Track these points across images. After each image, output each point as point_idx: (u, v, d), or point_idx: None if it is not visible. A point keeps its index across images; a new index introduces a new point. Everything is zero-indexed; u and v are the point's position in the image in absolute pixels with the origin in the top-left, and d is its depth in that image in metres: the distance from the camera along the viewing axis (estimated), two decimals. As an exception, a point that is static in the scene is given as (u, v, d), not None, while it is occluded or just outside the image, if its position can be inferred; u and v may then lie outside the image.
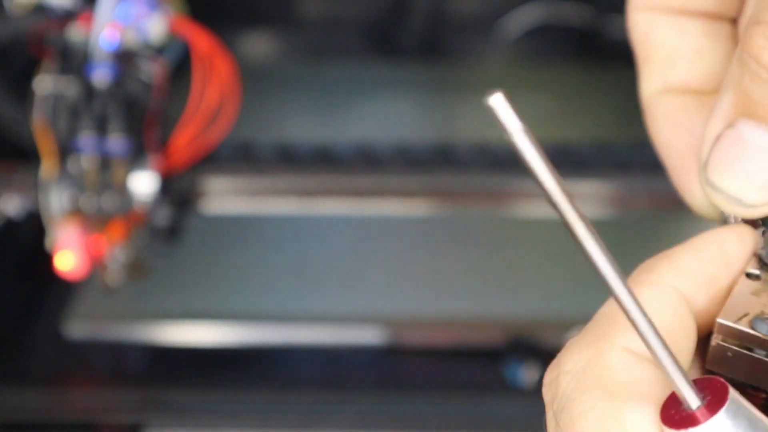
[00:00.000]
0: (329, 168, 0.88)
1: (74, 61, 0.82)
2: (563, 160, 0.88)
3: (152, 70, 0.83)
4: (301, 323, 0.86)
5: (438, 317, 0.86)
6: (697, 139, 0.37)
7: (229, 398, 0.81)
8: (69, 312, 0.87)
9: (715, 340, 0.34)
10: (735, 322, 0.34)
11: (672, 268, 0.34)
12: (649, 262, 0.34)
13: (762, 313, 0.34)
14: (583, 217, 0.29)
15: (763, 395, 0.34)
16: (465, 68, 1.10)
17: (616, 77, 1.04)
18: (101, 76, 0.82)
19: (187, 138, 0.84)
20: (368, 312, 0.87)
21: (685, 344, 0.33)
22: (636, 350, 0.32)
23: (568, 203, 0.28)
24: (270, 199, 0.88)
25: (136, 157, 0.82)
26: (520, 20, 1.09)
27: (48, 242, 0.82)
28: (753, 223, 0.36)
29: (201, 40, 0.84)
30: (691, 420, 0.30)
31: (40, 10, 0.83)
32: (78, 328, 0.87)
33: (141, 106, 0.82)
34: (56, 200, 0.82)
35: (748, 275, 0.35)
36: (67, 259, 0.81)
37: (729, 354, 0.34)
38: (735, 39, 0.39)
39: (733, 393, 0.31)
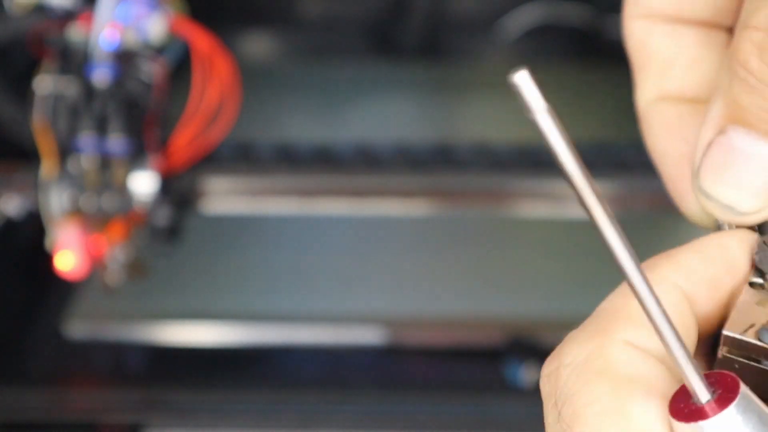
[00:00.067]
0: (329, 168, 0.88)
1: (74, 61, 0.82)
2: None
3: (152, 70, 0.83)
4: (301, 323, 0.86)
5: (438, 317, 0.86)
6: (692, 147, 0.37)
7: (229, 398, 0.81)
8: (69, 312, 0.87)
9: (722, 352, 0.34)
10: (741, 333, 0.33)
11: (675, 267, 0.34)
12: (652, 261, 0.34)
13: None
14: (603, 202, 0.29)
15: None
16: (465, 68, 1.10)
17: (616, 77, 1.04)
18: (101, 76, 0.82)
19: (187, 138, 0.84)
20: (368, 312, 0.87)
21: (687, 342, 0.33)
22: (638, 344, 0.32)
23: (589, 187, 0.28)
24: (270, 199, 0.88)
25: (136, 157, 0.82)
26: (520, 20, 1.09)
27: (48, 242, 0.82)
28: (750, 229, 0.36)
29: (201, 40, 0.84)
30: (701, 414, 0.30)
31: (40, 10, 0.83)
32: (78, 328, 0.87)
33: (141, 106, 0.82)
34: (56, 200, 0.82)
35: (752, 284, 0.34)
36: (67, 259, 0.81)
37: (736, 366, 0.34)
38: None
39: (744, 388, 0.30)
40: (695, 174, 0.35)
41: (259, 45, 1.13)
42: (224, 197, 0.88)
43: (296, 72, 1.10)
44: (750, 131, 0.34)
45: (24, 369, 0.84)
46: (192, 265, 0.91)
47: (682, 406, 0.31)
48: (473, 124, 1.04)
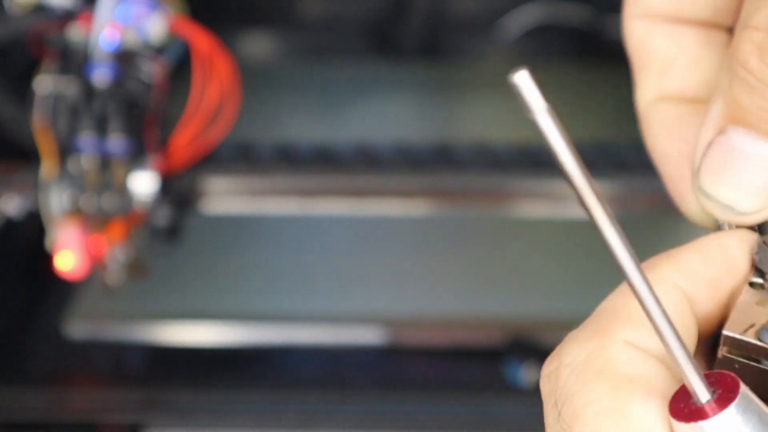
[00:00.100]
0: (329, 168, 0.88)
1: (74, 61, 0.82)
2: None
3: (152, 70, 0.83)
4: (301, 323, 0.86)
5: (438, 317, 0.86)
6: (693, 147, 0.37)
7: (229, 398, 0.81)
8: (69, 312, 0.87)
9: (722, 352, 0.34)
10: (741, 333, 0.33)
11: (675, 267, 0.34)
12: (652, 260, 0.34)
13: None
14: (603, 202, 0.29)
15: None
16: (465, 68, 1.10)
17: (616, 77, 1.04)
18: (101, 76, 0.82)
19: (187, 138, 0.84)
20: (368, 312, 0.87)
21: (687, 343, 0.33)
22: (638, 344, 0.32)
23: (589, 187, 0.28)
24: (270, 199, 0.88)
25: (136, 157, 0.82)
26: (520, 20, 1.09)
27: (48, 242, 0.82)
28: (750, 229, 0.36)
29: (201, 40, 0.84)
30: (700, 414, 0.30)
31: (40, 10, 0.83)
32: (78, 328, 0.86)
33: (141, 106, 0.82)
34: (56, 200, 0.82)
35: (751, 284, 0.34)
36: (67, 259, 0.81)
37: (736, 366, 0.34)
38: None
39: (744, 389, 0.30)
40: (695, 174, 0.35)
41: (259, 45, 1.13)
42: (224, 197, 0.88)
43: (296, 72, 1.10)
44: (750, 131, 0.34)
45: (24, 369, 0.84)
46: (192, 265, 0.91)
47: (682, 406, 0.31)
48: (473, 124, 1.04)
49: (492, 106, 1.05)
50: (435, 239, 0.94)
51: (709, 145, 0.35)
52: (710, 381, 0.31)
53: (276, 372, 0.85)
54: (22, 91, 0.83)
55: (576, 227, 0.93)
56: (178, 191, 0.85)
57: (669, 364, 0.32)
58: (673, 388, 0.31)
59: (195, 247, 0.91)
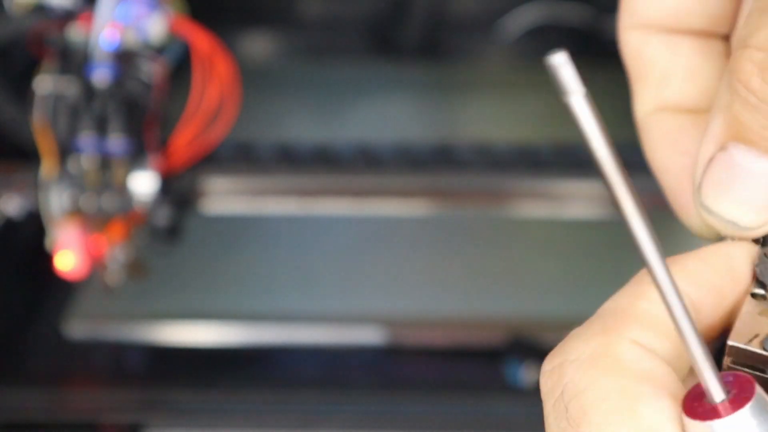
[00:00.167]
0: (329, 168, 0.88)
1: (74, 61, 0.82)
2: (563, 160, 0.88)
3: (152, 70, 0.83)
4: (301, 323, 0.86)
5: (438, 317, 0.86)
6: (693, 160, 0.37)
7: (229, 398, 0.81)
8: (69, 312, 0.87)
9: (726, 362, 0.34)
10: (746, 343, 0.33)
11: (683, 274, 0.34)
12: None
13: None
14: (632, 192, 0.29)
15: None
16: (465, 68, 1.10)
17: (616, 77, 1.04)
18: (101, 76, 0.82)
19: (187, 138, 0.84)
20: (368, 312, 0.87)
21: None
22: (645, 344, 0.32)
23: (619, 174, 0.28)
24: (270, 199, 0.88)
25: (136, 157, 0.82)
26: (520, 20, 1.09)
27: (48, 242, 0.82)
28: (753, 241, 0.36)
29: (201, 40, 0.84)
30: (714, 413, 0.30)
31: (40, 10, 0.83)
32: (78, 328, 0.86)
33: (141, 106, 0.82)
34: (56, 200, 0.82)
35: (753, 295, 0.34)
36: (67, 259, 0.81)
37: None
38: (728, 56, 0.39)
39: (759, 390, 0.30)
40: (697, 190, 0.36)
41: (259, 45, 1.13)
42: (224, 197, 0.88)
43: (296, 72, 1.10)
44: (751, 148, 0.34)
45: (24, 369, 0.84)
46: (192, 265, 0.91)
47: (696, 404, 0.31)
48: (473, 124, 1.04)
49: (492, 106, 1.05)
50: (435, 239, 0.94)
51: (710, 161, 0.35)
52: (725, 381, 0.30)
53: (276, 372, 0.85)
54: (22, 91, 0.83)
55: (576, 227, 0.93)
56: (178, 191, 0.85)
57: (675, 365, 0.32)
58: (680, 390, 0.31)
59: (195, 247, 0.91)
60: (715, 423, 0.30)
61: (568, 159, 0.88)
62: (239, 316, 0.87)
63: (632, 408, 0.30)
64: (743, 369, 0.34)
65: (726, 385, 0.30)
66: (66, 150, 0.82)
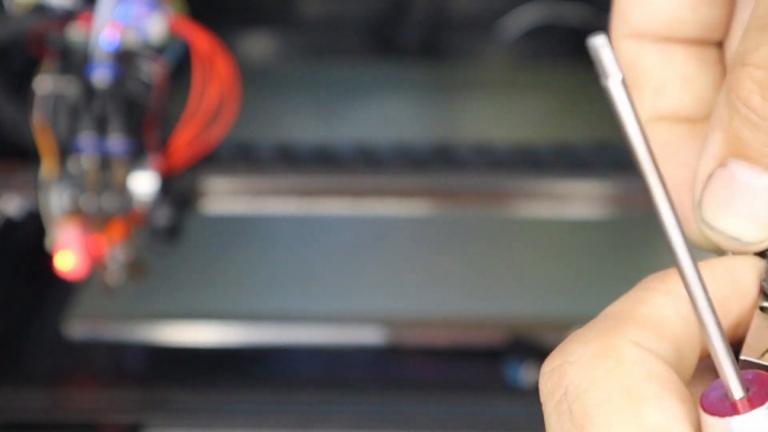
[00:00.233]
0: (329, 168, 0.88)
1: (74, 61, 0.82)
2: (563, 160, 0.88)
3: (152, 70, 0.83)
4: (301, 323, 0.86)
5: (438, 317, 0.86)
6: (692, 171, 0.37)
7: (229, 398, 0.81)
8: (69, 312, 0.87)
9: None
10: (759, 358, 0.33)
11: None
12: (662, 273, 0.34)
13: None
14: (662, 181, 0.29)
15: None
16: (465, 68, 1.10)
17: (616, 77, 1.03)
18: (101, 76, 0.82)
19: (187, 138, 0.84)
20: (368, 312, 0.87)
21: (691, 356, 0.33)
22: (646, 346, 0.32)
23: (652, 162, 0.28)
24: (270, 199, 0.88)
25: (136, 157, 0.82)
26: (520, 20, 1.09)
27: (48, 242, 0.82)
28: (758, 254, 0.36)
29: (201, 40, 0.84)
30: (733, 410, 0.30)
31: (40, 10, 0.83)
32: (78, 328, 0.87)
33: (141, 106, 0.82)
34: (56, 200, 0.82)
35: (763, 309, 0.35)
36: (67, 259, 0.81)
37: None
38: (722, 63, 0.39)
39: None
40: (697, 205, 0.36)
41: (259, 45, 1.13)
42: (224, 197, 0.88)
43: (296, 72, 1.10)
44: (752, 165, 0.34)
45: (24, 369, 0.84)
46: (192, 265, 0.91)
47: (714, 401, 0.31)
48: (473, 124, 1.04)
49: (492, 106, 1.05)
50: (435, 239, 0.94)
51: (710, 177, 0.35)
52: (745, 379, 0.30)
53: (276, 372, 0.85)
54: (22, 91, 0.83)
55: (576, 227, 0.94)
56: (178, 191, 0.85)
57: (677, 369, 0.32)
58: (684, 392, 0.31)
59: (195, 247, 0.91)
60: (734, 420, 0.30)
61: (568, 159, 0.88)
62: (239, 316, 0.87)
63: (637, 408, 0.30)
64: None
65: (746, 383, 0.30)
66: (66, 150, 0.82)
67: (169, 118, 0.84)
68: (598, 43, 0.27)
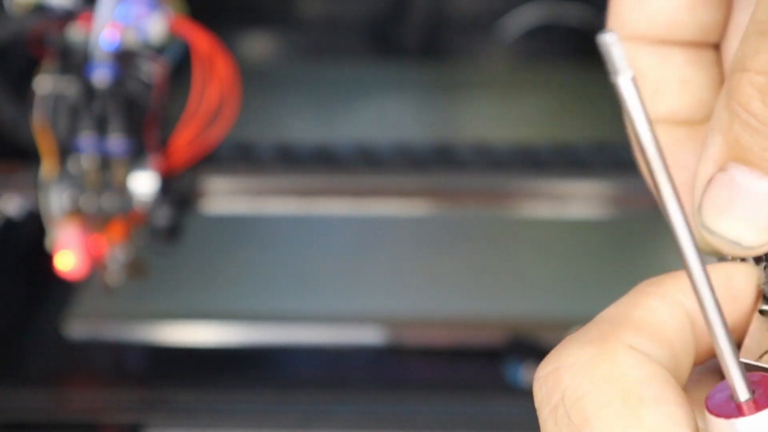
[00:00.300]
0: (329, 168, 0.88)
1: (74, 61, 0.82)
2: (563, 160, 0.88)
3: (152, 70, 0.83)
4: (301, 323, 0.86)
5: (438, 317, 0.86)
6: (691, 175, 0.37)
7: (229, 398, 0.81)
8: (69, 312, 0.87)
9: None
10: (757, 360, 0.33)
11: (680, 286, 0.34)
12: (657, 278, 0.34)
13: None
14: (671, 180, 0.29)
15: None
16: (465, 68, 1.10)
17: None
18: (101, 76, 0.82)
19: (187, 138, 0.84)
20: (368, 312, 0.87)
21: (686, 361, 0.33)
22: (642, 350, 0.32)
23: (660, 161, 0.28)
24: (270, 199, 0.88)
25: (136, 157, 0.82)
26: (520, 20, 1.09)
27: (48, 242, 0.82)
28: (756, 258, 0.36)
29: (201, 40, 0.84)
30: (738, 411, 0.30)
31: (40, 10, 0.83)
32: (78, 328, 0.87)
33: (141, 106, 0.82)
34: (56, 200, 0.82)
35: (762, 312, 0.35)
36: (67, 259, 0.81)
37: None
38: (720, 64, 0.39)
39: None
40: (697, 210, 0.36)
41: (259, 45, 1.13)
42: (224, 197, 0.88)
43: (296, 72, 1.10)
44: (753, 170, 0.34)
45: (24, 369, 0.84)
46: (192, 265, 0.91)
47: (719, 402, 0.31)
48: (473, 124, 1.04)
49: (492, 106, 1.05)
50: (435, 239, 0.94)
51: (710, 181, 0.35)
52: (751, 381, 0.30)
53: (276, 372, 0.85)
54: (22, 91, 0.83)
55: (576, 227, 0.94)
56: (178, 191, 0.85)
57: (673, 374, 0.32)
58: (681, 396, 0.31)
59: (195, 247, 0.91)
60: (739, 421, 0.30)
61: (568, 159, 0.88)
62: (239, 316, 0.87)
63: (636, 413, 0.30)
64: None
65: (751, 385, 0.30)
66: (66, 150, 0.82)
67: (169, 118, 0.84)
68: (608, 40, 0.27)
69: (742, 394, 0.30)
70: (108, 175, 0.82)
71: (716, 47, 0.39)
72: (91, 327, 0.87)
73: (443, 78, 1.09)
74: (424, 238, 0.94)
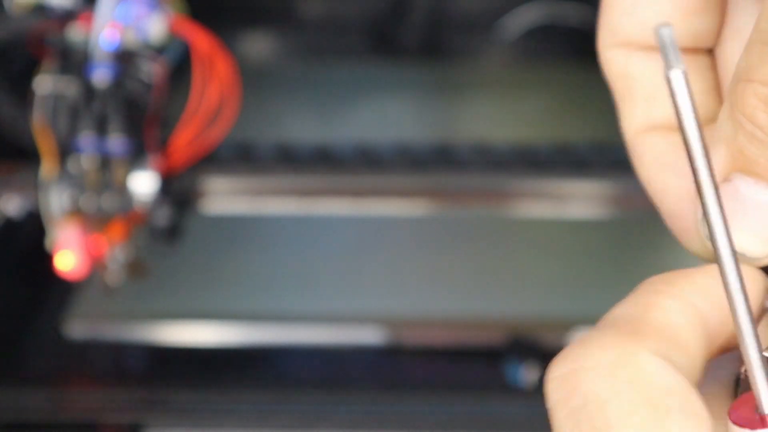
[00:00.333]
0: (329, 168, 0.88)
1: (74, 61, 0.82)
2: (563, 160, 0.88)
3: (152, 70, 0.83)
4: (301, 323, 0.86)
5: (438, 317, 0.86)
6: (689, 183, 0.37)
7: (229, 398, 0.81)
8: (69, 312, 0.87)
9: (744, 374, 0.34)
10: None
11: (692, 286, 0.33)
12: (668, 276, 0.34)
13: None
14: (714, 178, 0.29)
15: None
16: (465, 68, 1.10)
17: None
18: (101, 76, 0.82)
19: (187, 138, 0.84)
20: (368, 312, 0.87)
21: (699, 364, 0.33)
22: (664, 355, 0.31)
23: (705, 159, 0.28)
24: (270, 199, 0.88)
25: (136, 157, 0.82)
26: (520, 20, 1.09)
27: (48, 242, 0.82)
28: (765, 268, 0.36)
29: (201, 40, 0.84)
30: (761, 422, 0.30)
31: (40, 10, 0.83)
32: (78, 328, 0.86)
33: (141, 106, 0.82)
34: (56, 200, 0.82)
35: None
36: (67, 259, 0.81)
37: None
38: (714, 69, 0.39)
39: None
40: (701, 220, 0.35)
41: (259, 45, 1.13)
42: (224, 197, 0.88)
43: (296, 72, 1.10)
44: (757, 180, 0.34)
45: (24, 369, 0.84)
46: (192, 265, 0.91)
47: (744, 414, 0.30)
48: (473, 124, 1.04)
49: (492, 106, 1.05)
50: (435, 239, 0.94)
51: None
52: None
53: (276, 372, 0.85)
54: (22, 91, 0.83)
55: (576, 227, 0.94)
56: (178, 191, 0.85)
57: (691, 381, 0.32)
58: (701, 405, 0.31)
59: (195, 247, 0.91)
60: None
61: (568, 159, 0.88)
62: (239, 316, 0.87)
63: (662, 422, 0.30)
64: None
65: None
66: (66, 150, 0.82)
67: (169, 118, 0.84)
68: (665, 33, 0.27)
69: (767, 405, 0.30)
70: (108, 175, 0.82)
71: (710, 52, 0.39)
72: (91, 327, 0.87)
73: (443, 78, 1.09)
74: (424, 238, 0.94)
